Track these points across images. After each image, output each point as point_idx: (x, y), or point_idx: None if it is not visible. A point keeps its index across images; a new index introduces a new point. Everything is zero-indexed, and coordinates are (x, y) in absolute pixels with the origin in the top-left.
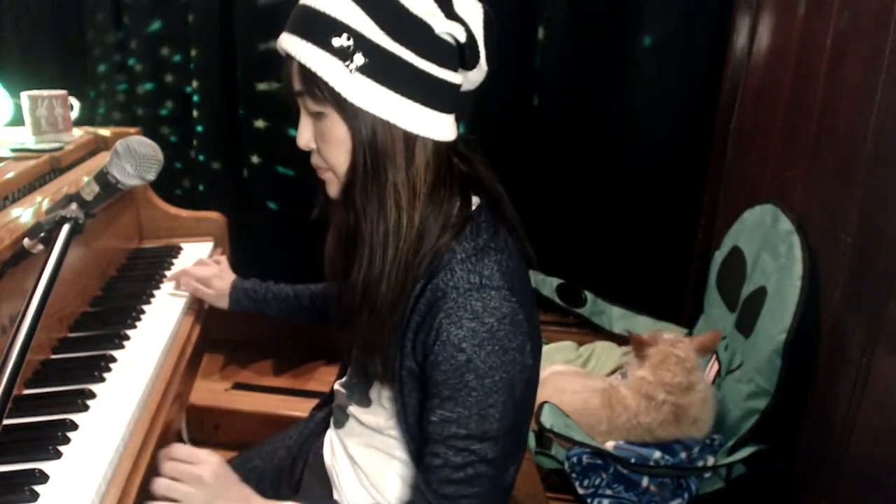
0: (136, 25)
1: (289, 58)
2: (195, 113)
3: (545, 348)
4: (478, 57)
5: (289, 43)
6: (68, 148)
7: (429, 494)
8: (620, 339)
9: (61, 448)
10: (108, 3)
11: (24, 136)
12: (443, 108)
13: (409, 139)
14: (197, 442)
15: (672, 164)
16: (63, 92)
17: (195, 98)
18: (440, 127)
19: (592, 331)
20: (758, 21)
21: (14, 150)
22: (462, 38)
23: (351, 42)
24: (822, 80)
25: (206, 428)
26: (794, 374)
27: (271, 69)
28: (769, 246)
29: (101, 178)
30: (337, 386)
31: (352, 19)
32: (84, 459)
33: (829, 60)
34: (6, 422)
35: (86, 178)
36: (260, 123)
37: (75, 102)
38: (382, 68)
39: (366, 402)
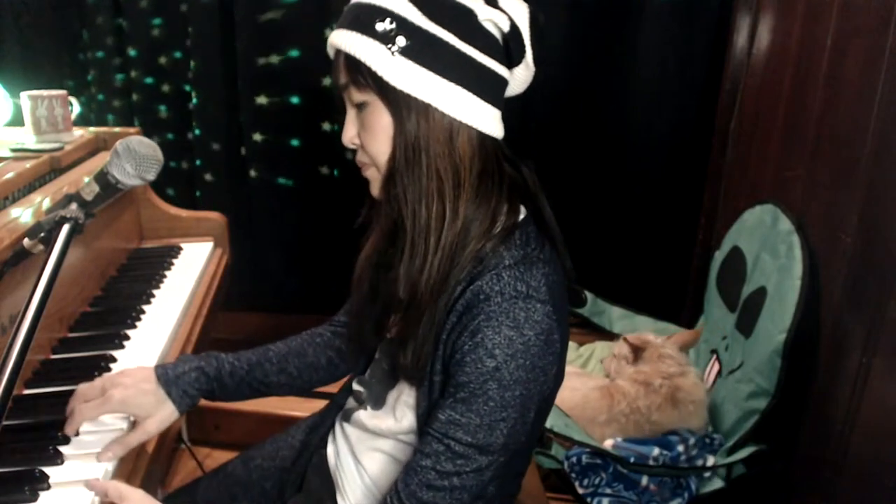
0: (137, 25)
1: (337, 53)
2: (194, 112)
3: None
4: (523, 50)
5: (337, 37)
6: (68, 148)
7: (404, 494)
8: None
9: (61, 448)
10: (109, 4)
11: (24, 136)
12: (487, 97)
13: (453, 126)
14: (197, 442)
15: (672, 164)
16: (63, 92)
17: (194, 98)
18: (485, 118)
19: (592, 331)
20: (758, 21)
21: (14, 150)
22: (506, 27)
23: (393, 25)
24: (822, 80)
25: (206, 428)
26: (794, 374)
27: (270, 71)
28: (769, 246)
29: (101, 178)
30: (356, 385)
31: (393, 5)
32: (84, 460)
33: (829, 60)
34: (6, 422)
35: (86, 178)
36: (258, 125)
37: (75, 102)
38: (424, 50)
39: (380, 403)
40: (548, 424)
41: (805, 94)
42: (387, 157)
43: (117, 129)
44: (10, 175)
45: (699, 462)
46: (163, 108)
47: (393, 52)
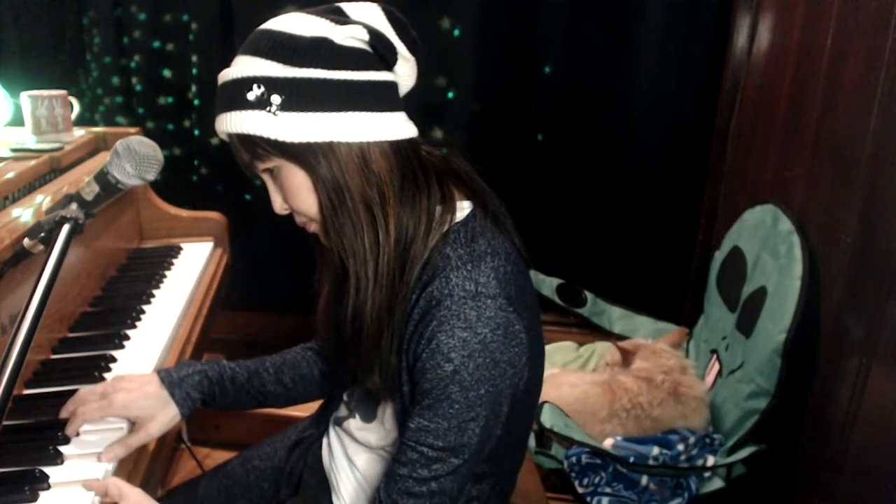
0: (137, 25)
1: (229, 137)
2: (195, 112)
3: (545, 349)
4: (392, 48)
5: (219, 124)
6: (68, 148)
7: None
8: (620, 340)
9: (61, 448)
10: (109, 3)
11: (24, 136)
12: (381, 107)
13: (362, 151)
14: (197, 442)
15: (672, 164)
16: (63, 92)
17: (195, 99)
18: (388, 127)
19: (592, 331)
20: (758, 21)
21: (14, 150)
22: (365, 37)
23: (262, 88)
24: (822, 80)
25: (206, 428)
26: (794, 374)
27: None
28: (769, 246)
29: (101, 178)
30: (345, 396)
31: (254, 70)
32: (84, 460)
33: (829, 60)
34: (6, 422)
35: (86, 178)
36: None
37: (75, 102)
38: (300, 97)
39: (370, 417)
40: (548, 424)
41: (805, 94)
42: (317, 208)
43: (117, 129)
44: (10, 175)
45: (699, 462)
46: (163, 107)
47: (274, 112)
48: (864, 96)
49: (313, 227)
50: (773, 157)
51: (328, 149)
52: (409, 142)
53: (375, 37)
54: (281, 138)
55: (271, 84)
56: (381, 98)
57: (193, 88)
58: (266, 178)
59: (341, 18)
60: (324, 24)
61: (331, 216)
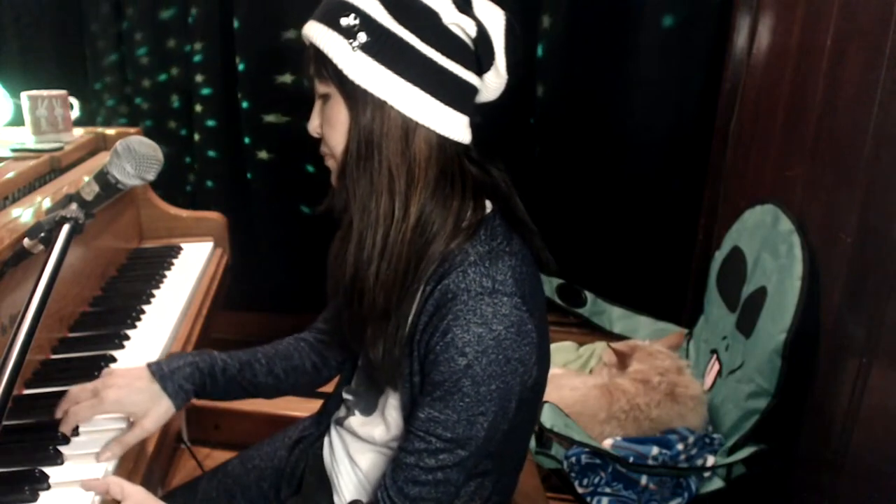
0: (137, 25)
1: (309, 45)
2: (196, 112)
3: None
4: (492, 56)
5: (307, 28)
6: (68, 148)
7: (392, 491)
8: (620, 340)
9: (61, 448)
10: (109, 3)
11: (24, 136)
12: (448, 100)
13: (409, 125)
14: (197, 442)
15: (672, 164)
16: (63, 92)
17: (196, 97)
18: (445, 121)
19: (592, 331)
20: (758, 21)
21: (14, 150)
22: (472, 32)
23: (357, 21)
24: (822, 80)
25: (206, 428)
26: (794, 374)
27: (275, 64)
28: (769, 246)
29: (101, 178)
30: (345, 394)
31: (361, 1)
32: (84, 460)
33: (829, 60)
34: (6, 422)
35: (86, 178)
36: (266, 119)
37: (75, 102)
38: (384, 48)
39: (370, 409)
40: (548, 424)
41: (805, 94)
42: (342, 150)
43: (117, 130)
44: (10, 175)
45: (699, 462)
46: (164, 106)
47: (353, 48)
48: (864, 96)
49: (330, 163)
50: (773, 157)
51: (380, 106)
52: (457, 145)
53: (481, 37)
54: (346, 72)
55: (367, 21)
56: (454, 93)
57: (196, 84)
58: (317, 98)
59: (464, 6)
60: (444, 1)
61: (352, 165)
